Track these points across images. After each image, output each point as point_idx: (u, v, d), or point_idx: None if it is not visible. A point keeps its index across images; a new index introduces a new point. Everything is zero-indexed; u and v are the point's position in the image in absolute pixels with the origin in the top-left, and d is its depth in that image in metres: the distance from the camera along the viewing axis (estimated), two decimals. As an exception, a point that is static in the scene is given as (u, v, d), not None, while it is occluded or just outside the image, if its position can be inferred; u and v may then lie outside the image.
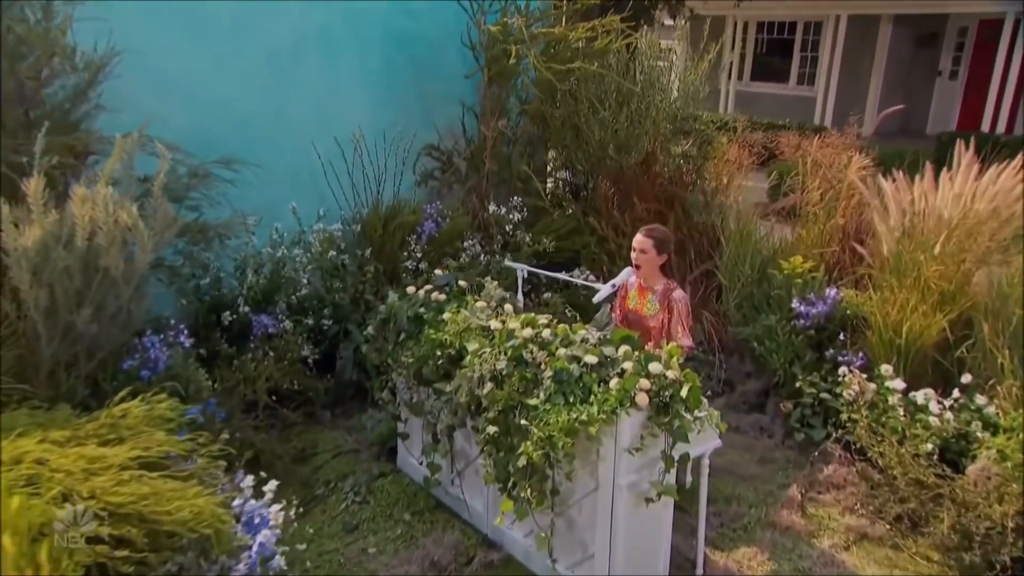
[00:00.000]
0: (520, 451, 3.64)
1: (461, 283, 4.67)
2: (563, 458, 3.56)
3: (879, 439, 4.74)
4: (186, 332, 4.93)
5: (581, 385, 3.64)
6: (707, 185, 7.06)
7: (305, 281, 6.11)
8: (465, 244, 6.63)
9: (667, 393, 3.55)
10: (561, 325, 3.98)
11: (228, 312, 5.83)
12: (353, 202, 6.66)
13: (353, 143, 6.55)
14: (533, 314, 4.17)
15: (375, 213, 6.59)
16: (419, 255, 6.44)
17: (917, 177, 5.83)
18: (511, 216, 6.76)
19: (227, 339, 5.87)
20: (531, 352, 3.83)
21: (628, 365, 3.63)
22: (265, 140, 6.33)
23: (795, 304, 5.91)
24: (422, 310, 4.54)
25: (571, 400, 3.61)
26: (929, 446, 4.58)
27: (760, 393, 6.16)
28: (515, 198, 6.84)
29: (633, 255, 4.69)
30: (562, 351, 3.78)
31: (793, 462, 5.40)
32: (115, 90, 4.92)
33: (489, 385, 3.86)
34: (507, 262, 5.70)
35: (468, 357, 4.03)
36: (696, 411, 3.62)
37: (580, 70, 6.69)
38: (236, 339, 5.91)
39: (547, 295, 6.55)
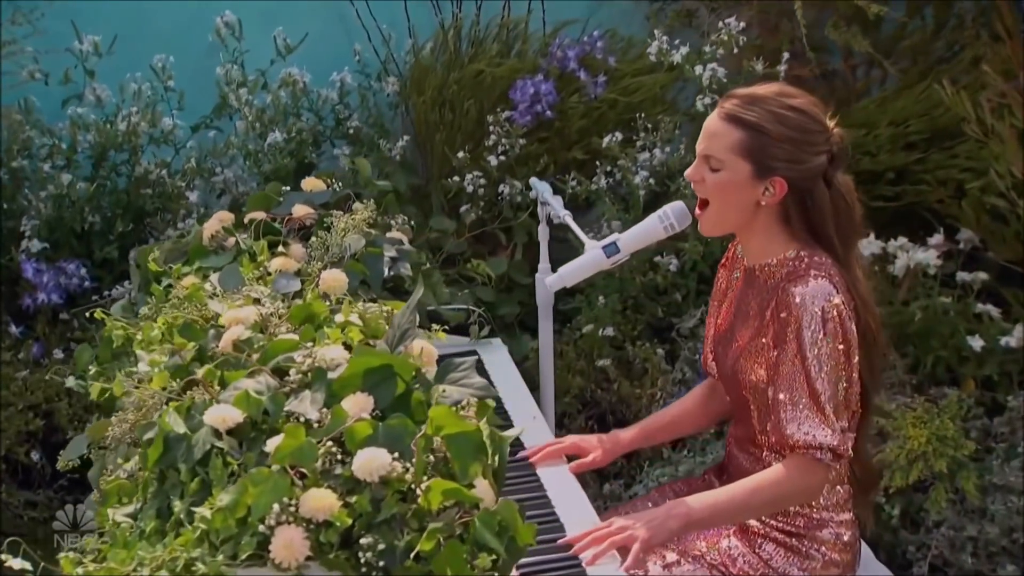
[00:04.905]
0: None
1: (301, 209, 2.07)
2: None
3: None
4: None
5: (203, 482, 1.34)
6: None
7: (193, 194, 2.61)
8: (616, 138, 2.51)
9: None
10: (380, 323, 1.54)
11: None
12: (407, 27, 2.91)
13: None
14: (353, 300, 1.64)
15: (437, 52, 2.77)
16: (499, 156, 2.54)
17: None
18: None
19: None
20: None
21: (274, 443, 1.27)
22: None
23: None
24: (179, 269, 2.02)
25: (167, 526, 1.36)
26: None
27: None
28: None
29: (691, 170, 1.63)
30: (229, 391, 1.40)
31: None
32: None
33: (129, 465, 1.55)
34: (533, 180, 2.21)
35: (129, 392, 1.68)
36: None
37: None
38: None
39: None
